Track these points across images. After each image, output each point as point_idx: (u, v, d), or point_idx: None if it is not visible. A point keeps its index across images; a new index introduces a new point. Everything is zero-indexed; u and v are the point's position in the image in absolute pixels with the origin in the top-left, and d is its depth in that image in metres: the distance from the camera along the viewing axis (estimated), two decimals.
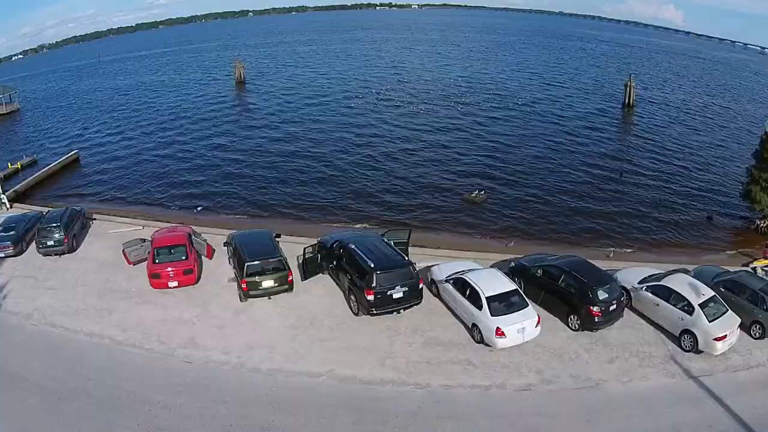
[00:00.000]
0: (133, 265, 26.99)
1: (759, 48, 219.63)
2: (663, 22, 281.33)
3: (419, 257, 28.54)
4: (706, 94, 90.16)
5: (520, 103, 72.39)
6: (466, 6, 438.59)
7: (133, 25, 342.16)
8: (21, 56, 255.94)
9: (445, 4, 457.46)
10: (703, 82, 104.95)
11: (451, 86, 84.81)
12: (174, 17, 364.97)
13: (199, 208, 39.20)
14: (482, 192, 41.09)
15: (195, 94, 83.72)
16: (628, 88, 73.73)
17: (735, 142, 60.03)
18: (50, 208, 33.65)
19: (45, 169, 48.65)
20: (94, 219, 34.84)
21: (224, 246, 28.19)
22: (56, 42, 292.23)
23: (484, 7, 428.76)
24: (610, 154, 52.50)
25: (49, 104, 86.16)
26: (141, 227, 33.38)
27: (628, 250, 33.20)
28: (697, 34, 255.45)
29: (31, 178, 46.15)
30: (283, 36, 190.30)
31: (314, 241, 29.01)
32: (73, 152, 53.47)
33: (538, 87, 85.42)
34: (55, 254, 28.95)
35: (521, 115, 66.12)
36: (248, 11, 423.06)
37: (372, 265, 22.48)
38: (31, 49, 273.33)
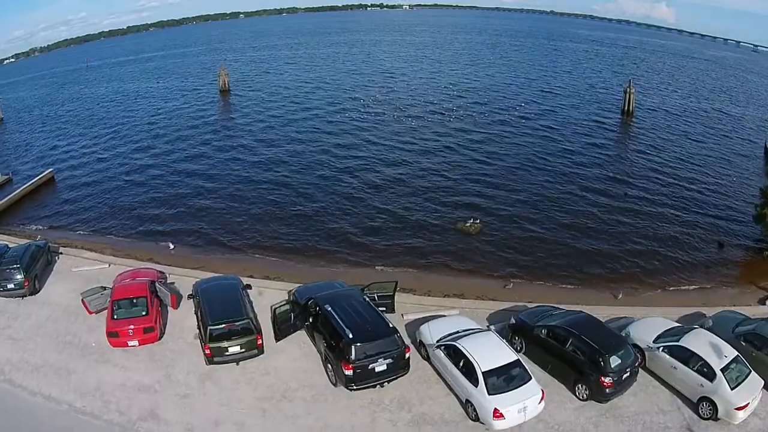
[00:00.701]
0: (94, 314, 25.10)
1: (751, 45, 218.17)
2: (654, 20, 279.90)
3: (407, 307, 25.75)
4: (705, 99, 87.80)
5: (514, 116, 68.71)
6: (457, 6, 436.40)
7: (124, 27, 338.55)
8: (12, 60, 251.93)
9: (436, 5, 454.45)
10: (701, 85, 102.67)
11: (440, 96, 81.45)
12: (165, 19, 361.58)
13: (172, 247, 36.17)
14: (477, 221, 37.95)
15: (176, 106, 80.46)
16: (627, 95, 70.89)
17: (740, 153, 57.49)
18: (13, 245, 30.85)
19: (18, 191, 45.97)
20: (60, 254, 32.83)
21: (188, 298, 25.51)
22: (48, 45, 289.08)
23: (476, 6, 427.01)
24: (612, 174, 49.16)
25: (31, 115, 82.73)
26: (107, 264, 31.32)
27: (637, 289, 30.33)
28: (689, 32, 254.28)
29: (2, 201, 43.73)
30: (270, 39, 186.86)
31: (290, 289, 26.39)
32: (48, 171, 50.81)
33: (532, 96, 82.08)
34: (17, 296, 27.17)
35: (516, 131, 62.55)
36: (239, 13, 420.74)
37: (350, 336, 19.59)
38: (22, 53, 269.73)
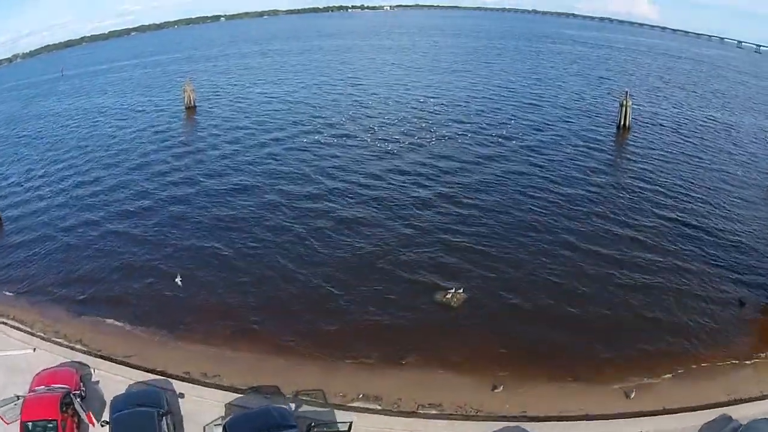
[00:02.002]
0: (9, 424, 22.62)
1: (735, 42, 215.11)
2: (638, 17, 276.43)
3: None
4: (700, 106, 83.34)
5: (496, 138, 62.45)
6: (439, 6, 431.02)
7: (106, 32, 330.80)
8: None
9: (417, 5, 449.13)
10: (693, 89, 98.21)
11: (416, 112, 75.44)
12: (147, 23, 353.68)
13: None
14: (459, 290, 31.92)
15: (138, 126, 75.02)
16: (623, 108, 65.83)
17: (746, 174, 52.79)
18: None
19: None
20: None
21: (102, 426, 22.18)
22: (30, 51, 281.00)
23: (458, 6, 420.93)
24: (610, 213, 43.17)
25: None
26: (32, 349, 28.38)
27: (650, 379, 25.03)
28: (672, 29, 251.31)
29: None
30: (245, 45, 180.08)
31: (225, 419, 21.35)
32: None
33: (515, 110, 76.01)
34: None
35: (499, 157, 56.25)
36: (220, 16, 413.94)
37: None
38: (5, 59, 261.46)
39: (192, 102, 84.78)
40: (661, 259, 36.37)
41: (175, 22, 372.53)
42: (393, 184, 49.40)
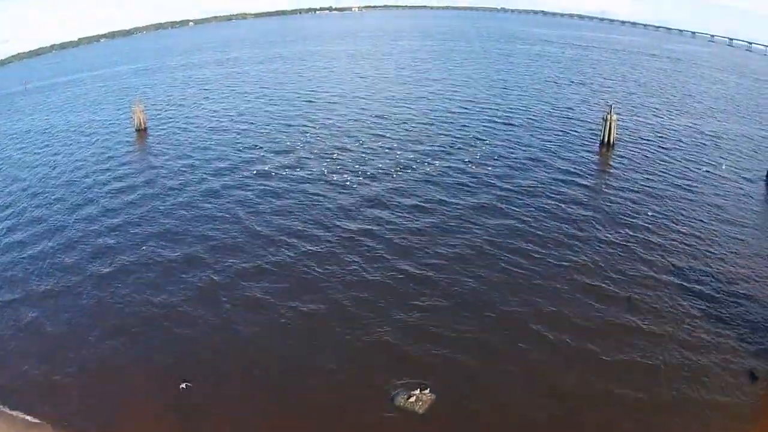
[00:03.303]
0: None
1: (708, 36, 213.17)
2: (609, 14, 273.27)
3: None
4: (682, 112, 78.59)
5: (463, 166, 55.09)
6: (408, 6, 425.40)
7: (76, 39, 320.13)
8: None
9: (386, 5, 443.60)
10: (673, 92, 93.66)
11: (375, 132, 68.08)
12: (116, 29, 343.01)
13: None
14: (426, 390, 25.29)
15: (82, 154, 67.79)
16: (607, 123, 60.07)
17: (738, 202, 47.49)
18: None
19: None
20: None
21: None
22: (2, 60, 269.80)
23: (426, 6, 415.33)
24: (601, 261, 37.21)
25: None
26: None
27: None
28: (644, 25, 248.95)
29: None
30: (207, 54, 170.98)
31: None
32: None
33: (484, 127, 69.13)
34: None
35: (465, 193, 48.85)
36: (189, 21, 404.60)
37: None
38: None
39: (142, 124, 79.19)
40: (661, 332, 30.36)
41: (144, 28, 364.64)
42: (339, 239, 41.58)
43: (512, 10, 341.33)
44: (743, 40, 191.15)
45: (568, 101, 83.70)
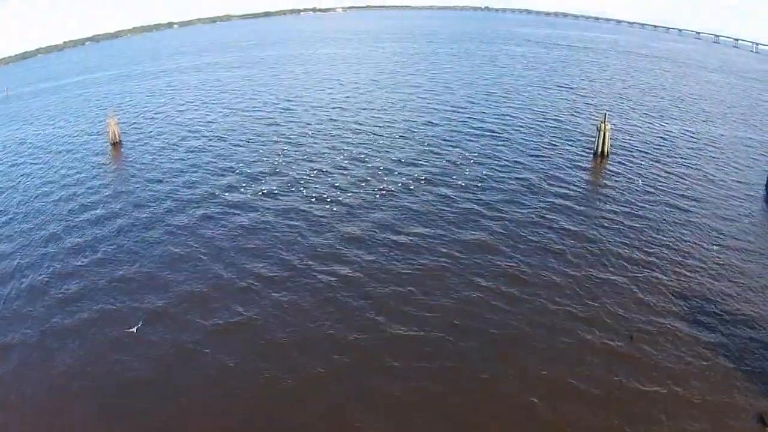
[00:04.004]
0: None
1: (694, 33, 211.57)
2: (594, 12, 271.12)
3: None
4: (674, 117, 76.00)
5: (450, 191, 50.51)
6: (391, 6, 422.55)
7: (61, 42, 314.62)
8: None
9: (369, 6, 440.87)
10: (663, 95, 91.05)
11: (355, 149, 63.45)
12: (101, 33, 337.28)
13: None
14: None
15: (51, 176, 62.97)
16: (601, 133, 56.97)
17: (740, 219, 44.58)
18: None
19: None
20: None
21: None
22: None
23: (409, 6, 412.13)
24: (606, 303, 33.86)
25: None
26: None
27: None
28: (629, 22, 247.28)
29: None
30: (187, 58, 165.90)
31: None
32: None
33: (469, 142, 64.59)
34: None
35: (450, 226, 43.89)
36: (173, 23, 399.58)
37: None
38: None
39: (117, 137, 75.83)
40: (664, 370, 27.63)
41: (129, 31, 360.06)
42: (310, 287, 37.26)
43: (497, 9, 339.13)
44: (729, 37, 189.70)
45: (556, 108, 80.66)
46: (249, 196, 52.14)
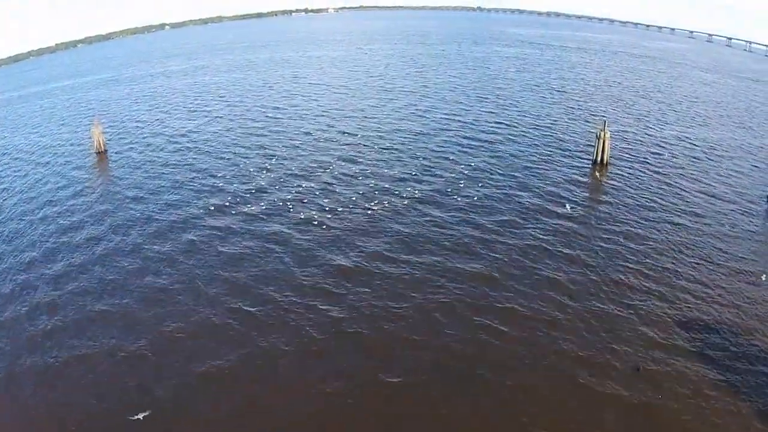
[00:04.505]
0: None
1: (687, 32, 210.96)
2: (587, 12, 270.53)
3: None
4: (672, 121, 74.68)
5: (440, 210, 47.71)
6: (384, 7, 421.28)
7: (53, 45, 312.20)
8: None
9: (361, 6, 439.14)
10: (659, 97, 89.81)
11: (344, 160, 60.99)
12: (93, 35, 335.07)
13: None
14: None
15: (31, 192, 60.53)
16: (600, 141, 55.25)
17: (744, 234, 43.03)
18: None
19: None
20: None
21: None
22: None
23: (402, 6, 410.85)
24: (611, 332, 32.20)
25: None
26: None
27: None
28: (621, 21, 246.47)
29: None
30: (176, 61, 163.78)
31: None
32: None
33: (462, 155, 61.31)
34: None
35: (442, 245, 41.72)
36: (165, 24, 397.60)
37: None
38: None
39: (102, 146, 73.99)
40: (673, 407, 26.01)
41: (121, 32, 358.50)
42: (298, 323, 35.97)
43: (489, 9, 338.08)
44: (723, 36, 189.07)
45: (550, 114, 78.84)
46: (232, 218, 48.91)
